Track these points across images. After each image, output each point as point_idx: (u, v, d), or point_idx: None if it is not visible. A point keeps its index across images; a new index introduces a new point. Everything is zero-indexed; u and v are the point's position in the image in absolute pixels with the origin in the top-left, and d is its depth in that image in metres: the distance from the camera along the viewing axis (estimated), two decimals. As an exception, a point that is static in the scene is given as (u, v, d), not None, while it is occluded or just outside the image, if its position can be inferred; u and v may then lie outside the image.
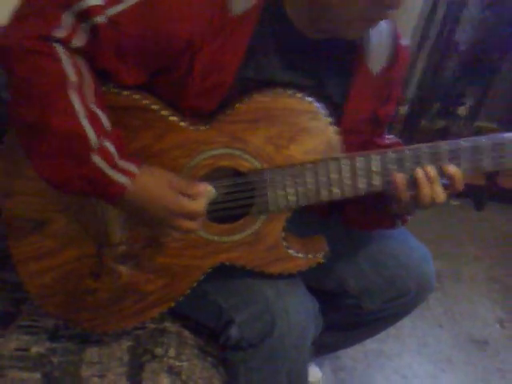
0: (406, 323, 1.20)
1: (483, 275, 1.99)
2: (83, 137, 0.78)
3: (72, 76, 0.78)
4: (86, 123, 0.78)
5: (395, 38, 0.96)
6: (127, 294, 0.97)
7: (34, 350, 0.97)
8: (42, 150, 0.79)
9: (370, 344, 1.51)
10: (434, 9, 2.21)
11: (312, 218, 1.09)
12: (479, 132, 2.40)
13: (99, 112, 0.80)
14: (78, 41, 0.78)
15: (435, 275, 1.12)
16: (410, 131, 2.28)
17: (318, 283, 1.09)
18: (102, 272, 0.96)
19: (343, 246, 1.08)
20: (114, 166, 0.79)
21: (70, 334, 1.01)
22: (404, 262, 1.07)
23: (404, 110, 2.38)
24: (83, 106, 0.78)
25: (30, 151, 0.81)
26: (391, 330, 1.24)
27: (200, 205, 0.82)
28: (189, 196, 0.82)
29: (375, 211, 0.99)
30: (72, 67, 0.78)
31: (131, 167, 0.81)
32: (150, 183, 0.82)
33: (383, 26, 0.94)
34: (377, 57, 0.94)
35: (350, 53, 0.93)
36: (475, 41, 2.23)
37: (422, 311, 1.14)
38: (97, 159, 0.78)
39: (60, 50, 0.77)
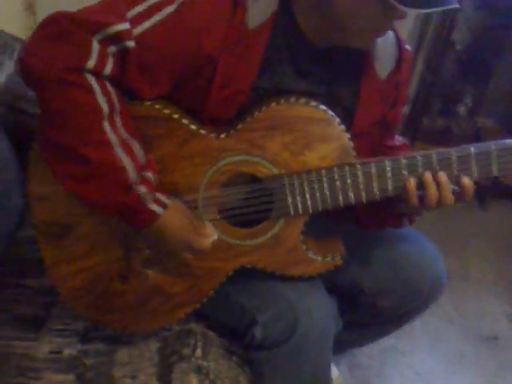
0: (417, 320, 1.25)
1: (490, 272, 2.03)
2: (122, 169, 0.83)
3: (104, 106, 0.82)
4: (122, 155, 0.83)
5: (399, 42, 1.01)
6: (154, 296, 1.01)
7: (67, 352, 1.01)
8: (77, 173, 0.84)
9: (384, 342, 1.55)
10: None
11: (326, 221, 1.13)
12: (480, 129, 2.46)
13: (133, 141, 0.85)
14: (108, 68, 0.82)
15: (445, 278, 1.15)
16: (413, 130, 2.33)
17: (334, 284, 1.13)
18: (130, 275, 0.99)
19: (358, 247, 1.12)
20: (153, 196, 0.86)
21: (100, 336, 1.05)
22: (417, 263, 1.11)
23: (406, 109, 2.43)
24: (117, 136, 0.83)
25: (61, 170, 0.85)
26: (404, 328, 1.29)
27: (207, 244, 0.93)
28: (200, 235, 0.92)
29: (384, 211, 1.03)
30: (104, 96, 0.82)
31: (164, 198, 0.87)
32: (175, 216, 0.89)
33: (387, 32, 0.99)
34: (383, 62, 0.99)
35: (358, 60, 0.97)
36: (471, 40, 2.29)
37: (432, 308, 1.18)
38: (141, 189, 0.84)
39: (92, 80, 0.81)
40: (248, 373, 1.07)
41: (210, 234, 0.93)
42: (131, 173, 0.83)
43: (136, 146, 0.86)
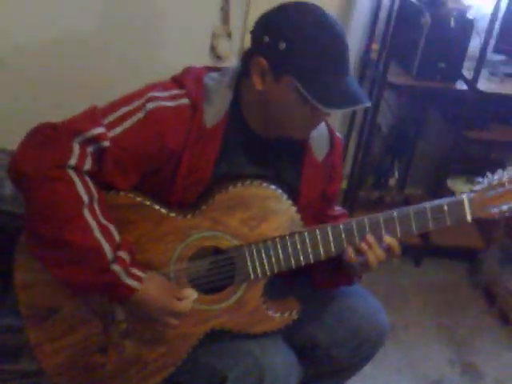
0: (368, 372, 1.29)
1: (429, 322, 2.12)
2: (100, 250, 0.90)
3: (84, 196, 0.90)
4: (100, 238, 0.90)
5: (330, 130, 1.15)
6: (132, 364, 1.04)
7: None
8: (62, 259, 0.90)
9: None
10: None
11: (282, 282, 1.20)
12: (409, 198, 2.64)
13: (109, 225, 0.93)
14: (87, 165, 0.92)
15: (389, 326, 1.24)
16: (351, 203, 2.48)
17: (290, 340, 1.16)
18: (109, 347, 1.03)
19: (310, 304, 1.18)
20: (128, 273, 0.92)
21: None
22: (363, 315, 1.19)
23: (344, 184, 2.59)
24: (96, 221, 0.90)
25: (48, 259, 0.92)
26: (356, 381, 1.33)
27: (186, 306, 0.98)
28: (178, 299, 0.97)
29: (335, 272, 1.13)
30: (83, 188, 0.91)
31: (139, 273, 0.94)
32: (152, 287, 0.96)
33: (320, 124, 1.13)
34: (319, 147, 1.12)
35: (299, 146, 1.10)
36: (393, 122, 2.52)
37: (381, 360, 1.25)
38: (116, 268, 0.90)
39: (73, 174, 0.90)
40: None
41: (189, 295, 0.98)
42: (108, 252, 0.90)
43: (112, 229, 0.93)
